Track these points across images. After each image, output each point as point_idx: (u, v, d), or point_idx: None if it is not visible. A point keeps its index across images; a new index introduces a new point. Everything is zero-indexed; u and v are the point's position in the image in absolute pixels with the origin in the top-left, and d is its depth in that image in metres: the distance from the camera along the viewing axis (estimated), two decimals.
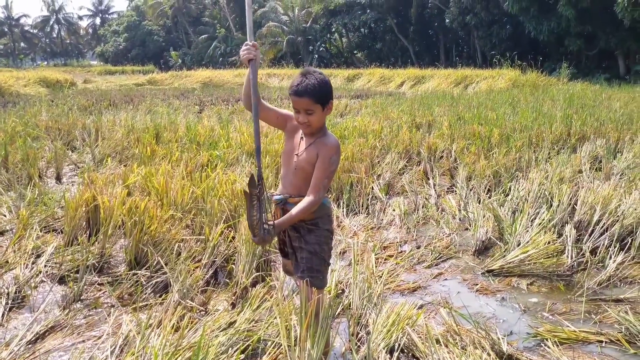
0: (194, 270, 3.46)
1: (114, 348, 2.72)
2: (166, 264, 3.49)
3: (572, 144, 7.53)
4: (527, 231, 4.16)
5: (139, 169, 4.86)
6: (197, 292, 3.31)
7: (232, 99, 16.71)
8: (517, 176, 5.67)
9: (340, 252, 4.19)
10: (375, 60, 36.75)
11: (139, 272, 3.51)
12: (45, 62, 74.54)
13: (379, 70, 26.66)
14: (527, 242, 4.01)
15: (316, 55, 44.55)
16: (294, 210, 2.33)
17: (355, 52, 45.06)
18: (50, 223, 4.69)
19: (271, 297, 3.15)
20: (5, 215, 4.95)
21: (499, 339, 2.81)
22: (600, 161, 6.68)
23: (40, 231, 4.41)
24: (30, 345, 2.84)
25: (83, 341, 2.91)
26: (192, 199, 4.13)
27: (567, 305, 3.35)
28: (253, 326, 2.86)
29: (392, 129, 7.81)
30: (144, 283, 3.44)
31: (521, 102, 12.50)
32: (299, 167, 2.41)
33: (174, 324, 2.92)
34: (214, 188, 4.27)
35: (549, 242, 3.88)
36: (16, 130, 8.10)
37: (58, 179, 6.59)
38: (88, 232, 4.23)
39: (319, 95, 2.31)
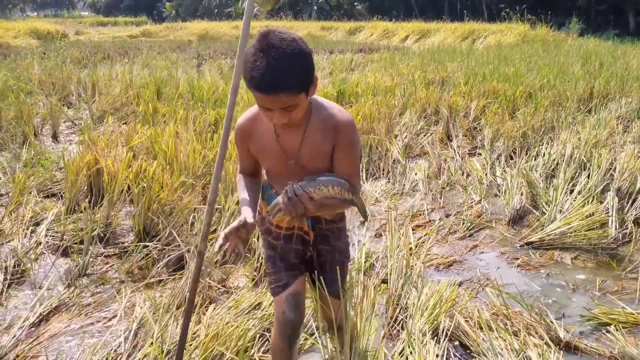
0: (210, 243, 3.15)
1: (128, 333, 2.44)
2: (179, 236, 3.18)
3: (595, 104, 7.14)
4: (567, 200, 3.85)
5: (143, 129, 4.48)
6: (216, 266, 3.02)
7: (230, 52, 16.06)
8: (544, 138, 5.32)
9: (361, 222, 3.88)
10: (377, 12, 35.54)
11: (149, 244, 3.20)
12: (35, 13, 72.20)
13: (381, 24, 25.75)
14: (567, 211, 3.71)
15: (315, 7, 43.17)
16: (333, 203, 1.63)
17: (355, 4, 43.64)
18: (49, 187, 4.34)
19: None
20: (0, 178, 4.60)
21: (553, 323, 2.54)
22: (628, 121, 6.33)
23: (38, 196, 4.07)
24: (33, 329, 2.56)
25: (92, 323, 2.63)
26: (205, 163, 3.77)
27: (619, 283, 3.08)
28: None
29: (406, 86, 7.39)
30: (155, 257, 3.14)
31: (534, 58, 11.98)
32: (305, 172, 1.61)
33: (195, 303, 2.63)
34: (226, 152, 3.91)
35: (592, 213, 3.57)
36: (8, 85, 7.62)
37: (55, 137, 6.20)
38: (91, 198, 3.89)
39: (301, 82, 1.44)
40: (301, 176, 1.57)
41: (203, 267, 2.52)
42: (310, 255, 1.83)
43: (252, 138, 1.68)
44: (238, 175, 1.83)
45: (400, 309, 2.61)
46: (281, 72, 1.39)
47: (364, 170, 4.80)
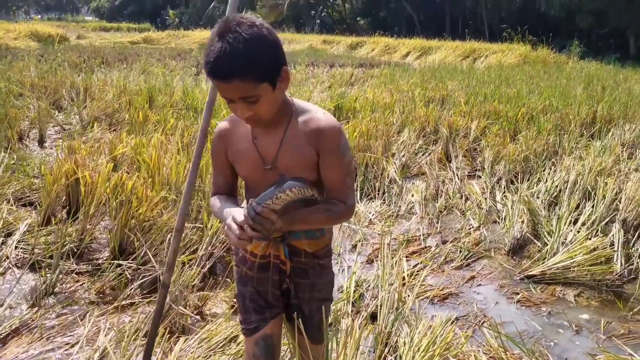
0: (188, 263, 2.93)
1: None
2: (155, 255, 2.96)
3: (597, 129, 6.97)
4: (570, 231, 3.65)
5: (128, 138, 4.28)
6: (192, 290, 2.80)
7: None
8: (546, 163, 5.13)
9: (353, 245, 3.67)
10: (379, 28, 35.56)
11: (124, 262, 2.98)
12: (40, 16, 72.26)
13: (383, 39, 25.69)
14: (571, 243, 3.51)
15: (318, 21, 43.29)
16: (314, 215, 1.46)
17: (358, 19, 43.79)
18: (27, 195, 4.12)
19: None
20: None
21: None
22: (633, 148, 6.15)
23: (15, 204, 3.85)
24: None
25: (53, 349, 2.40)
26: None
27: (625, 326, 2.86)
28: None
29: (405, 103, 7.22)
30: (129, 277, 2.92)
31: (535, 79, 11.86)
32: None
33: (164, 333, 2.41)
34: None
35: (597, 247, 3.37)
36: None
37: (41, 142, 5.99)
38: (68, 209, 3.68)
39: (258, 70, 1.28)
40: None
41: (168, 300, 2.30)
42: (287, 287, 1.61)
43: (230, 140, 1.52)
44: (212, 199, 1.60)
45: (389, 349, 2.39)
46: (235, 57, 1.25)
47: (359, 189, 4.59)
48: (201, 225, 3.14)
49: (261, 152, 1.47)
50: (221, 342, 2.30)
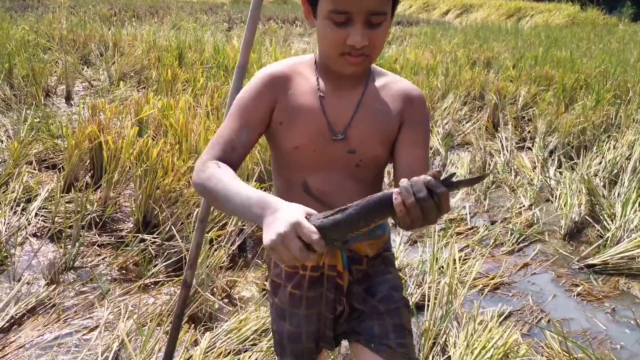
0: (216, 240, 2.71)
1: (109, 353, 2.03)
2: (180, 231, 2.74)
3: None
4: (636, 215, 3.28)
5: (155, 99, 4.03)
6: (221, 271, 2.58)
7: (263, 17, 15.44)
8: (602, 137, 4.69)
9: (393, 224, 3.39)
10: None
11: (148, 237, 2.77)
12: None
13: None
14: (637, 229, 3.15)
15: None
16: None
17: None
18: (51, 157, 3.94)
19: None
20: (2, 141, 4.22)
21: None
22: None
23: (38, 167, 3.68)
24: (1, 335, 2.17)
25: (70, 334, 2.22)
26: None
27: None
28: None
29: (448, 66, 6.75)
30: (153, 253, 2.71)
31: (585, 42, 11.10)
32: (354, 162, 1.11)
33: (189, 321, 2.21)
34: None
35: None
36: (26, 40, 7.24)
37: (68, 99, 5.81)
38: (92, 174, 3.48)
39: None
40: (347, 169, 1.11)
41: (194, 284, 2.07)
42: (342, 311, 1.19)
43: (286, 90, 1.10)
44: (210, 165, 1.02)
45: (438, 348, 2.13)
46: None
47: None
48: None
49: (330, 115, 1.09)
50: (251, 336, 2.07)
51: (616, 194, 3.63)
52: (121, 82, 5.65)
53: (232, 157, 1.06)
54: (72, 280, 2.57)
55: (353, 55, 1.01)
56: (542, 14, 17.90)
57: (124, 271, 2.68)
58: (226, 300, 2.46)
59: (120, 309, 2.32)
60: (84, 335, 2.21)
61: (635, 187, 3.60)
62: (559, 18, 17.22)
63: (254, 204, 0.88)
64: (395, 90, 1.13)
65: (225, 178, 0.97)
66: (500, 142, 4.77)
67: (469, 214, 3.57)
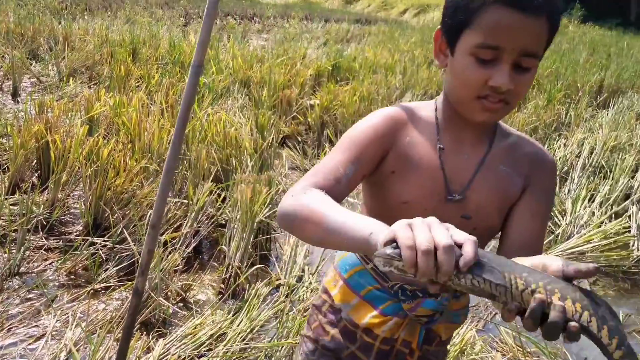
0: (171, 243, 2.63)
1: None
2: (133, 234, 2.65)
3: (605, 99, 6.69)
4: (585, 212, 3.39)
5: (107, 96, 3.89)
6: (175, 275, 2.51)
7: (220, 13, 15.22)
8: (553, 135, 4.83)
9: None
10: None
11: (98, 240, 2.67)
12: None
13: None
14: (586, 225, 3.26)
15: None
16: None
17: None
18: None
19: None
20: None
21: None
22: (638, 120, 5.86)
23: None
24: None
25: (15, 343, 2.11)
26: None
27: None
28: (251, 339, 2.09)
29: (406, 65, 6.82)
30: (103, 257, 2.61)
31: None
32: (469, 227, 0.96)
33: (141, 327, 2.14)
34: (201, 131, 3.36)
35: (618, 232, 3.13)
36: None
37: (14, 95, 5.55)
38: (39, 175, 3.33)
39: (558, 21, 0.89)
40: None
41: (147, 288, 2.00)
42: None
43: (404, 136, 0.98)
44: (309, 188, 0.89)
45: None
46: None
47: None
48: (185, 200, 2.83)
49: (447, 172, 0.96)
50: (207, 341, 2.02)
51: (567, 191, 3.75)
52: (71, 78, 5.44)
53: (334, 190, 0.90)
54: (17, 286, 2.45)
55: (491, 100, 0.87)
56: None
57: (72, 276, 2.57)
58: (181, 305, 2.40)
59: (69, 317, 2.23)
60: (29, 344, 2.10)
61: (585, 184, 3.73)
62: None
63: (373, 221, 0.74)
64: (525, 151, 0.99)
65: (334, 204, 0.83)
66: None
67: None
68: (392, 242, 0.65)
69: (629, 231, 3.29)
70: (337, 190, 0.91)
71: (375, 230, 0.70)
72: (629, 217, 3.43)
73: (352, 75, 5.97)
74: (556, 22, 0.86)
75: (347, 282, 1.10)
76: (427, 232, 0.63)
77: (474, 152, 0.98)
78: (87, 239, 2.69)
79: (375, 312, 1.05)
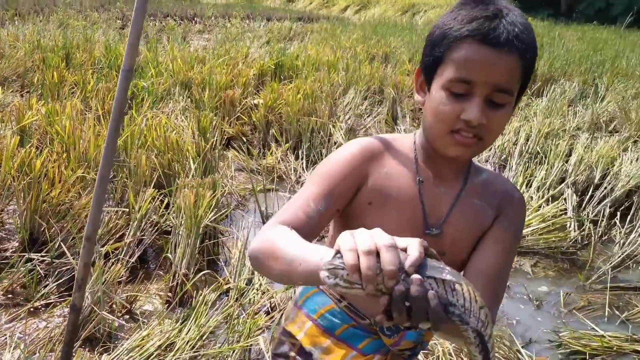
0: (113, 253, 2.55)
1: None
2: (72, 247, 2.55)
3: (539, 87, 6.97)
4: (524, 195, 3.52)
5: (39, 105, 3.72)
6: (119, 286, 2.44)
7: (160, 14, 14.85)
8: None
9: None
10: None
11: (35, 256, 2.55)
12: None
13: None
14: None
15: None
16: None
17: None
18: None
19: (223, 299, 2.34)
20: None
21: (523, 355, 2.18)
22: (570, 106, 6.15)
23: None
24: None
25: None
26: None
27: (584, 297, 2.79)
28: (201, 347, 2.05)
29: (349, 61, 6.88)
30: (42, 273, 2.50)
31: None
32: (448, 259, 0.85)
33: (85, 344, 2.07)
34: (140, 136, 3.27)
35: (555, 215, 3.27)
36: None
37: None
38: None
39: (535, 56, 0.91)
40: None
41: (89, 302, 1.93)
42: None
43: (381, 167, 0.97)
44: (278, 227, 0.87)
45: None
46: (526, 27, 0.87)
47: (305, 157, 4.27)
48: (127, 209, 2.74)
49: (426, 205, 0.96)
50: (155, 352, 1.97)
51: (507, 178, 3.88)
52: (1, 87, 5.17)
53: (305, 226, 0.88)
54: None
55: (464, 134, 0.87)
56: (435, 9, 18.79)
57: (10, 295, 2.44)
58: (127, 317, 2.33)
59: (7, 338, 2.12)
60: None
61: (522, 170, 3.88)
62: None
63: (326, 247, 0.73)
64: (496, 187, 1.00)
65: (294, 237, 0.81)
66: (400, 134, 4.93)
67: None
68: (337, 253, 0.65)
69: (565, 213, 3.44)
70: (308, 226, 0.89)
71: (325, 253, 0.70)
72: (565, 199, 3.59)
73: (296, 74, 5.97)
74: (529, 60, 0.87)
75: (317, 322, 1.06)
76: (368, 236, 0.64)
77: (450, 187, 0.98)
78: (24, 255, 2.56)
79: (354, 353, 1.02)
